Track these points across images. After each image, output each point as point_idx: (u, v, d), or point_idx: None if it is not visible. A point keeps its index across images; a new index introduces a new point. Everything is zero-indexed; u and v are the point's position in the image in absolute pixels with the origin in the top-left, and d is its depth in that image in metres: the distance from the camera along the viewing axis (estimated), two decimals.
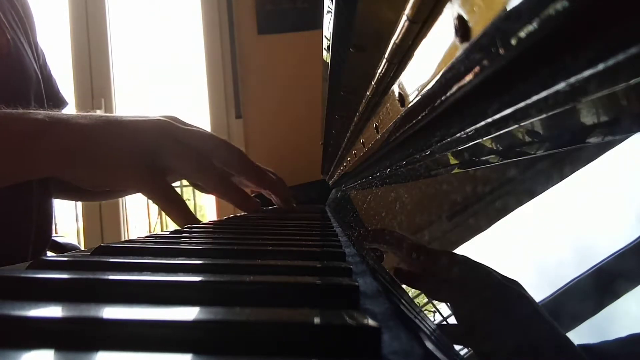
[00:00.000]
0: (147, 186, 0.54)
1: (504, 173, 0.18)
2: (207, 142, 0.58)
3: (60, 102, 0.81)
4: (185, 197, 1.96)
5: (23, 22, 0.73)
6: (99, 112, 0.59)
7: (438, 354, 0.14)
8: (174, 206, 0.55)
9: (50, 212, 0.75)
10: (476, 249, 0.18)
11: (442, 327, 0.17)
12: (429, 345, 0.15)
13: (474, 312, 0.16)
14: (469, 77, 0.17)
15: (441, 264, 0.20)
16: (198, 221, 0.56)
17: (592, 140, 0.13)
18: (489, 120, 0.19)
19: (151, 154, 0.54)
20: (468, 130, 0.21)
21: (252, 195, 0.68)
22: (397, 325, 0.18)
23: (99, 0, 2.09)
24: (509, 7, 0.13)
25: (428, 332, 0.16)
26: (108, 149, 0.52)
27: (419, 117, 0.26)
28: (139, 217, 2.45)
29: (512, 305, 0.14)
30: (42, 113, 0.51)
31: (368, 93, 0.38)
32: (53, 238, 0.79)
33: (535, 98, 0.15)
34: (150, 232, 1.82)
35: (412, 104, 0.27)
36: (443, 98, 0.21)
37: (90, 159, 0.51)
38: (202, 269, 0.24)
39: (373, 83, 0.34)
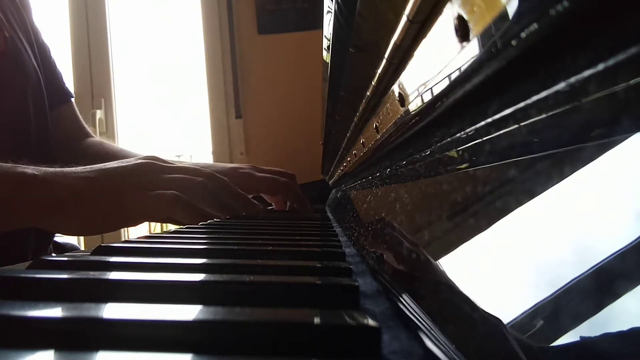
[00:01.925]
0: (152, 204, 0.53)
1: (504, 173, 0.18)
2: (190, 171, 0.57)
3: (65, 96, 0.81)
4: None
5: (23, 19, 0.73)
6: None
7: (438, 353, 0.14)
8: (197, 216, 0.54)
9: None
10: (476, 249, 0.18)
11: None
12: (428, 345, 0.15)
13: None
14: (468, 77, 0.17)
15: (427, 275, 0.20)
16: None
17: (592, 140, 0.13)
18: (489, 120, 0.19)
19: (141, 183, 0.53)
20: (468, 130, 0.21)
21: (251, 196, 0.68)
22: (397, 325, 0.18)
23: (99, 0, 2.09)
24: (509, 8, 0.13)
25: (428, 332, 0.16)
26: (100, 189, 0.51)
27: (419, 117, 0.26)
28: None
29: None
30: (30, 167, 0.51)
31: (368, 93, 0.38)
32: (53, 239, 0.79)
33: (535, 98, 0.15)
34: (150, 232, 1.82)
35: (412, 104, 0.27)
36: (443, 98, 0.21)
37: (86, 201, 0.50)
38: (202, 269, 0.24)
39: (373, 83, 0.34)
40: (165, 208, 0.52)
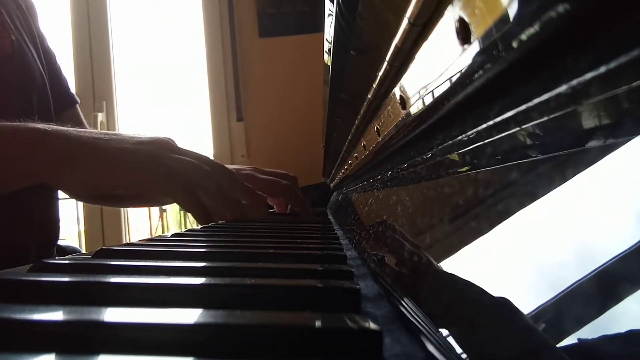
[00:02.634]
0: (160, 182, 0.53)
1: (506, 176, 0.18)
2: (202, 159, 0.57)
3: (71, 101, 0.81)
4: None
5: (29, 25, 0.73)
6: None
7: (439, 357, 0.14)
8: (196, 201, 0.53)
9: (56, 216, 0.75)
10: (478, 252, 0.18)
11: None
12: (430, 348, 0.15)
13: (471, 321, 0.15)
14: (470, 80, 0.17)
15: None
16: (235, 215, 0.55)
17: (594, 143, 0.13)
18: (491, 122, 0.19)
19: (153, 157, 0.53)
20: (470, 132, 0.21)
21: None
22: (398, 328, 0.18)
23: (100, 4, 2.10)
24: (510, 10, 0.13)
25: (429, 335, 0.16)
26: (111, 149, 0.51)
27: (421, 120, 0.26)
28: (140, 220, 2.46)
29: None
30: (41, 124, 0.51)
31: (369, 96, 0.38)
32: None
33: (536, 100, 0.15)
34: (151, 235, 1.82)
35: (413, 106, 0.27)
36: (444, 101, 0.21)
37: (92, 158, 0.51)
38: (203, 272, 0.24)
39: (374, 86, 0.34)
40: (166, 184, 0.52)
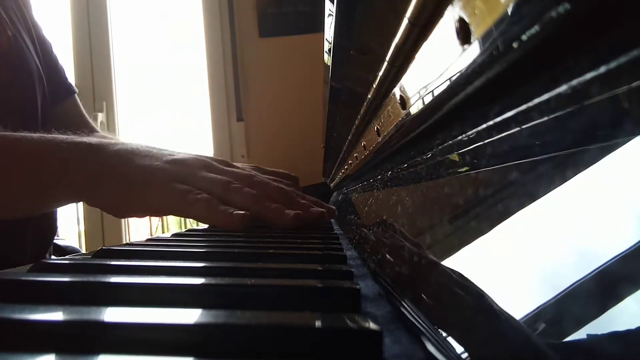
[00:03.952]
0: (177, 204, 0.49)
1: (506, 176, 0.18)
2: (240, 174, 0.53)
3: (68, 91, 0.81)
4: None
5: (24, 15, 0.73)
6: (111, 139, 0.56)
7: (440, 357, 0.14)
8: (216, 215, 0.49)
9: (53, 215, 0.75)
10: (478, 252, 0.18)
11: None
12: (430, 348, 0.15)
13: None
14: (470, 80, 0.17)
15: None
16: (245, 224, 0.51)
17: (595, 142, 0.13)
18: (491, 122, 0.19)
19: (181, 178, 0.50)
20: (470, 132, 0.21)
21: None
22: (398, 328, 0.18)
23: (100, 4, 2.10)
24: (510, 10, 0.13)
25: (430, 335, 0.16)
26: (137, 169, 0.49)
27: (421, 120, 0.26)
28: (140, 220, 2.45)
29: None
30: (59, 137, 0.49)
31: (369, 96, 0.38)
32: (54, 241, 0.79)
33: (537, 100, 0.15)
34: (151, 235, 1.82)
35: (413, 106, 0.27)
36: (444, 101, 0.21)
37: (119, 180, 0.49)
38: (204, 272, 0.24)
39: (374, 86, 0.34)
40: (196, 212, 0.49)
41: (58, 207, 0.51)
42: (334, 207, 0.60)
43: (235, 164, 0.60)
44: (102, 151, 0.50)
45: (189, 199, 0.48)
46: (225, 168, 0.54)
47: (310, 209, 0.53)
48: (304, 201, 0.54)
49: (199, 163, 0.52)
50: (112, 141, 0.52)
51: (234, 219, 0.47)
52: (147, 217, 2.53)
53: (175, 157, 0.52)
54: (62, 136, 0.50)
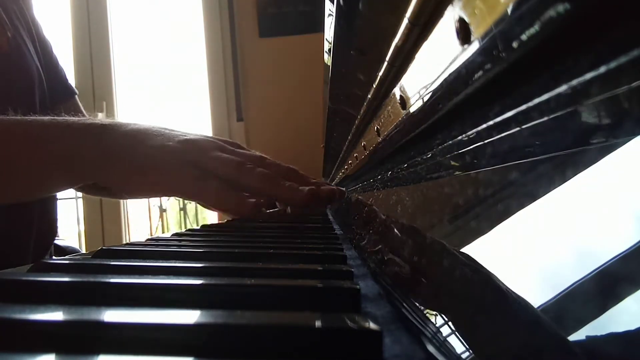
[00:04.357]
0: (192, 189, 0.50)
1: (506, 176, 0.18)
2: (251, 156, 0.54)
3: (68, 92, 0.80)
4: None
5: (24, 15, 0.72)
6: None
7: (440, 357, 0.14)
8: (226, 203, 0.50)
9: (54, 216, 0.75)
10: (478, 252, 0.18)
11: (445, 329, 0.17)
12: (430, 348, 0.15)
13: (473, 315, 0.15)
14: (470, 80, 0.17)
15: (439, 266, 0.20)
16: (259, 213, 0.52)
17: (594, 142, 0.13)
18: (491, 122, 0.19)
19: (193, 159, 0.50)
20: (470, 132, 0.21)
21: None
22: (398, 328, 0.18)
23: (100, 4, 2.10)
24: (510, 10, 0.13)
25: (430, 335, 0.16)
26: (149, 148, 0.49)
27: (421, 120, 0.26)
28: (140, 220, 2.46)
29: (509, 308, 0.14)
30: (71, 119, 0.50)
31: (369, 96, 0.38)
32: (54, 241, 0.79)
33: (537, 100, 0.15)
34: (151, 235, 1.82)
35: (413, 106, 0.27)
36: (444, 100, 0.21)
37: (131, 159, 0.49)
38: (204, 272, 0.24)
39: (374, 86, 0.34)
40: (207, 198, 0.49)
41: (69, 187, 0.52)
42: (343, 188, 0.61)
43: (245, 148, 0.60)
44: (114, 131, 0.50)
45: (199, 183, 0.48)
46: (237, 150, 0.54)
47: (321, 187, 0.53)
48: (314, 180, 0.55)
49: (212, 144, 0.53)
50: (125, 122, 0.53)
51: (245, 206, 0.47)
52: (147, 217, 2.52)
53: (187, 137, 0.52)
54: (74, 118, 0.50)
